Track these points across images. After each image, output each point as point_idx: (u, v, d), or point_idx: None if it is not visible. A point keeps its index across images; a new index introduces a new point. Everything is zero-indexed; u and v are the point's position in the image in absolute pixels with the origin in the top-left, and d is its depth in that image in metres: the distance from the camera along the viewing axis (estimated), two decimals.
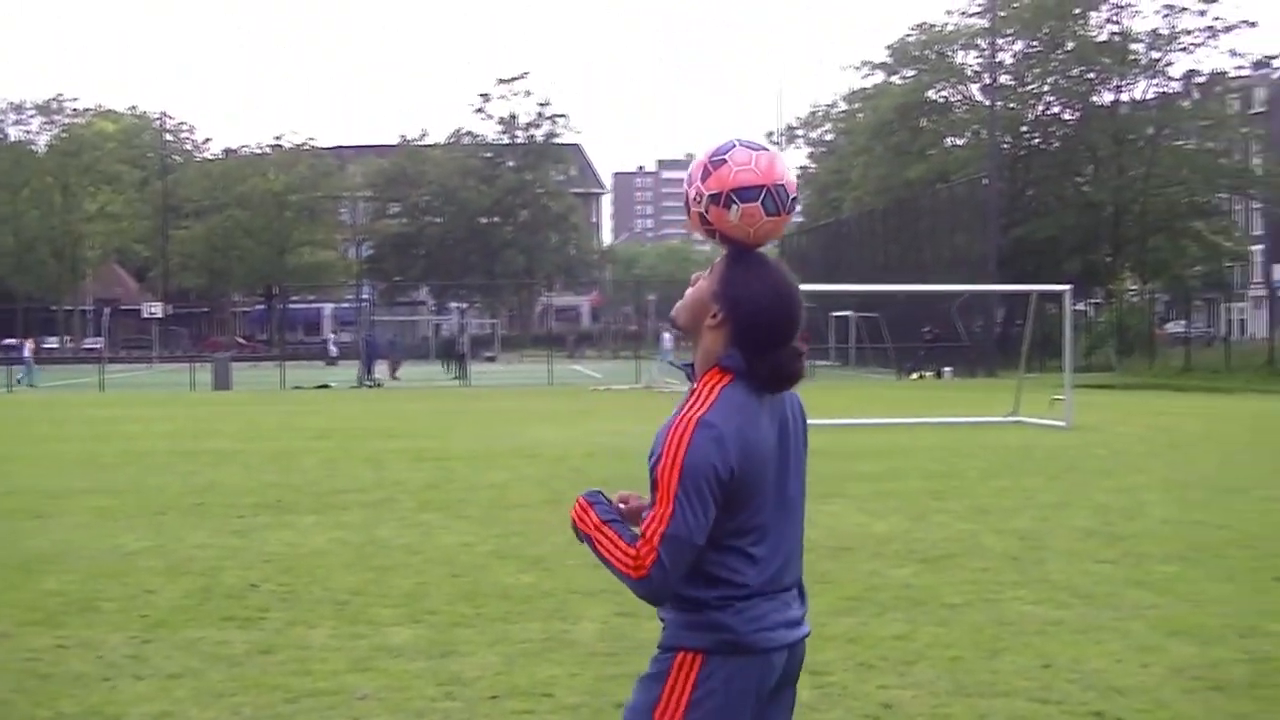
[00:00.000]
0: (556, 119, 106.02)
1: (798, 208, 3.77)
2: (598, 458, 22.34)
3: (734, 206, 3.75)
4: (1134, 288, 73.87)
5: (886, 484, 18.34)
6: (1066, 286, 32.66)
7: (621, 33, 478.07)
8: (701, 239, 4.02)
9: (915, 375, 57.36)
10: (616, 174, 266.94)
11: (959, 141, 76.75)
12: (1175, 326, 75.74)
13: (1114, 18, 71.53)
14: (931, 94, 75.77)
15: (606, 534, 3.72)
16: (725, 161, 3.78)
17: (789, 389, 3.82)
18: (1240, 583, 11.31)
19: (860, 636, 9.44)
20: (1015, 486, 17.91)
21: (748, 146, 3.81)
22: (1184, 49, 71.46)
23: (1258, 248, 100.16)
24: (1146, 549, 12.74)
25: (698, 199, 3.81)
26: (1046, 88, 73.60)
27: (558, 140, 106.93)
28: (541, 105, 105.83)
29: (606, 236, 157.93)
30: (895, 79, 76.90)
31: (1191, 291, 75.82)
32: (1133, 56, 71.57)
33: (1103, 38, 71.72)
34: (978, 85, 73.80)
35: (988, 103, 66.87)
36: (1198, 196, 71.75)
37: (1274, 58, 78.91)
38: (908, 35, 75.70)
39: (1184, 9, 69.94)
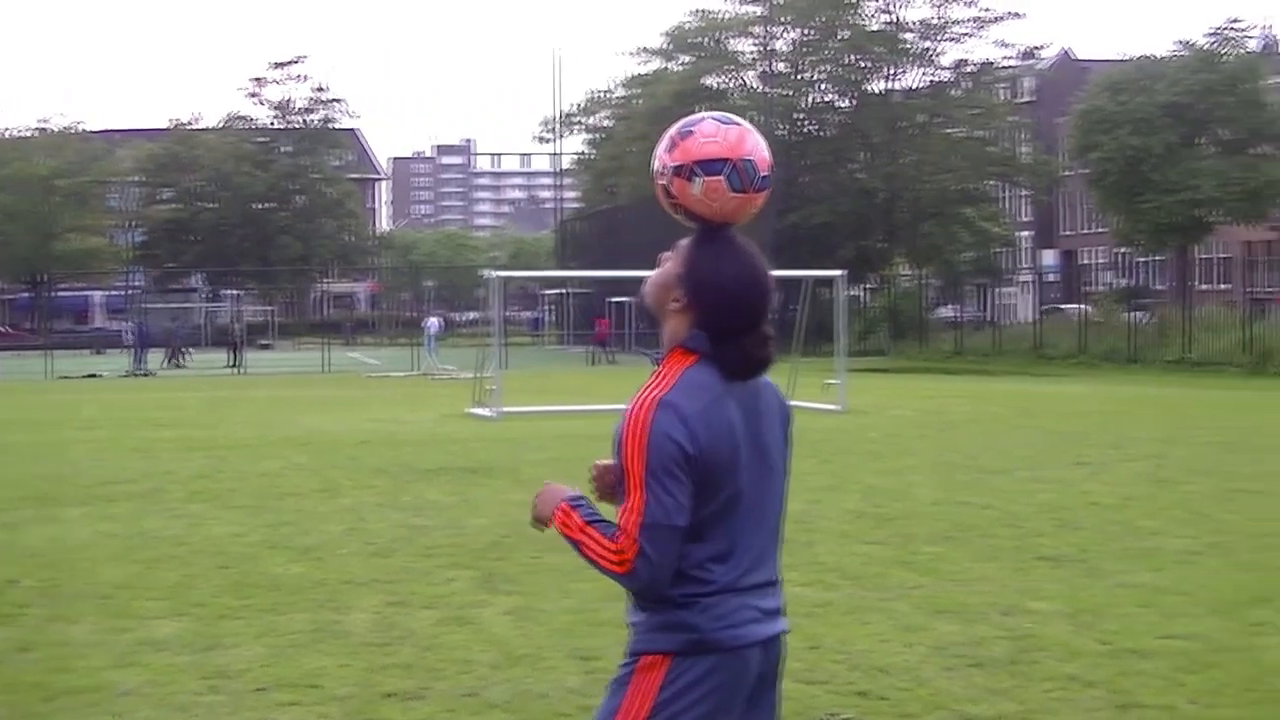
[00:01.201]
0: (333, 104, 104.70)
1: (769, 186, 3.71)
2: (372, 445, 22.18)
3: (697, 179, 3.63)
4: (907, 273, 75.15)
5: None
6: (840, 272, 33.14)
7: (399, 17, 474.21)
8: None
9: None
10: (395, 159, 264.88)
11: None
12: (946, 311, 77.19)
13: (886, 7, 72.61)
14: (708, 80, 76.17)
15: (591, 535, 3.57)
16: (693, 133, 3.67)
17: (757, 376, 3.68)
18: (1003, 562, 11.56)
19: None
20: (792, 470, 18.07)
21: (718, 120, 3.69)
22: (954, 39, 72.84)
23: (1025, 234, 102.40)
24: (914, 530, 12.97)
25: (662, 171, 3.70)
26: (821, 76, 74.47)
27: (334, 125, 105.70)
28: (317, 90, 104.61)
29: (384, 222, 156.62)
30: (673, 65, 77.22)
31: (962, 277, 77.27)
32: (905, 46, 72.72)
33: (876, 27, 72.75)
34: (754, 72, 74.46)
35: (763, 90, 67.53)
36: (968, 184, 73.15)
37: (1040, 48, 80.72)
38: (685, 22, 76.06)
39: (954, 0, 71.28)
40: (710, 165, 3.61)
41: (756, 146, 3.67)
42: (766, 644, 3.65)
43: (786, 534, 11.82)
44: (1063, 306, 71.29)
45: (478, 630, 9.39)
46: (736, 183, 3.62)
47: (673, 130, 3.71)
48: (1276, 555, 11.75)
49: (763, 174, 3.66)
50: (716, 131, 3.64)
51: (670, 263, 3.71)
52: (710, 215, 3.65)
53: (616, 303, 67.36)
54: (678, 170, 3.64)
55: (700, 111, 3.75)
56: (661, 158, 3.69)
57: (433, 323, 61.59)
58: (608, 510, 3.61)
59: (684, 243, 3.71)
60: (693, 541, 3.53)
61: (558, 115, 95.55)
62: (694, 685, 3.53)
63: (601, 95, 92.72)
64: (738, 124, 3.67)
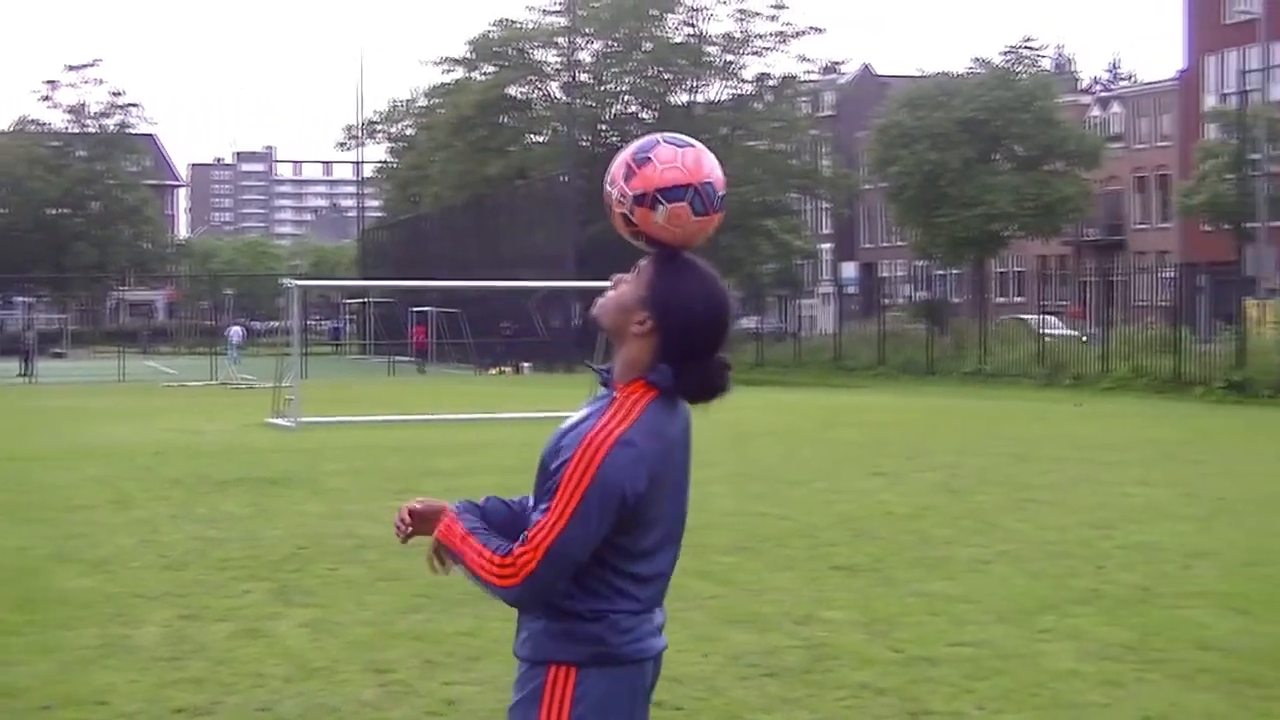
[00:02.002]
0: (129, 108, 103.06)
1: (725, 206, 3.66)
2: (167, 456, 21.80)
3: (660, 207, 3.56)
4: None
5: (462, 480, 18.32)
6: None
7: (198, 22, 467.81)
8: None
9: (495, 370, 57.65)
10: (194, 166, 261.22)
11: (539, 139, 77.20)
12: (748, 322, 77.86)
13: (690, 20, 73.01)
14: (512, 90, 76.03)
15: (471, 544, 3.52)
16: (650, 160, 3.59)
17: (715, 400, 3.63)
18: (798, 571, 11.67)
19: (427, 633, 9.42)
20: None
21: (672, 143, 3.62)
22: (756, 53, 73.44)
23: (826, 246, 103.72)
24: (710, 540, 13.02)
25: (621, 199, 3.61)
26: (624, 87, 74.67)
27: (131, 130, 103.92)
28: (114, 94, 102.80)
29: (183, 230, 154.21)
30: (476, 75, 76.97)
31: (764, 288, 78.07)
32: (707, 59, 73.18)
33: (679, 40, 73.13)
34: (557, 83, 74.45)
35: (567, 100, 67.58)
36: (769, 196, 73.74)
37: (841, 64, 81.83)
38: (489, 31, 75.80)
39: (756, 14, 71.91)
40: (672, 192, 3.56)
41: (713, 167, 3.63)
42: (657, 658, 3.67)
43: None
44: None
45: (272, 643, 9.27)
46: (699, 207, 3.58)
47: (626, 156, 3.64)
48: (1063, 563, 12.00)
49: (721, 194, 3.63)
50: (674, 156, 3.59)
51: (629, 285, 3.63)
52: (672, 240, 3.61)
53: (419, 312, 66.97)
54: (639, 199, 3.58)
55: (665, 136, 3.67)
56: (620, 186, 3.62)
57: (235, 331, 60.80)
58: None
59: (644, 264, 3.65)
60: (622, 561, 3.53)
61: (360, 123, 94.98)
62: (605, 696, 3.53)
63: (404, 104, 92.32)
64: (691, 145, 3.63)
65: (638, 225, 3.60)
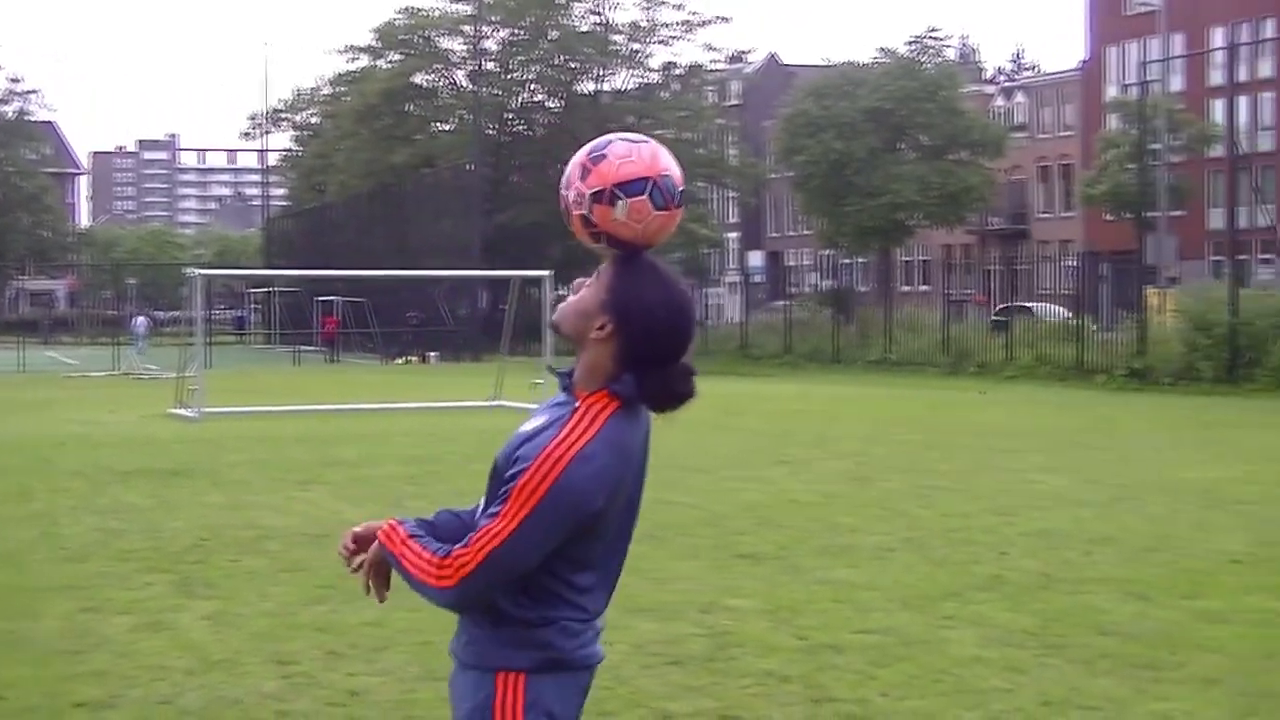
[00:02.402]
0: (28, 95, 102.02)
1: (684, 202, 3.60)
2: (68, 447, 21.55)
3: (619, 202, 3.47)
4: None
5: (365, 470, 18.27)
6: (547, 272, 33.20)
7: (100, 7, 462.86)
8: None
9: (402, 360, 57.45)
10: (95, 154, 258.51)
11: (445, 127, 77.02)
12: None
13: (596, 9, 73.03)
14: (418, 79, 75.76)
15: (411, 547, 3.46)
16: (605, 156, 3.51)
17: (678, 408, 3.54)
18: (703, 560, 11.69)
19: (331, 625, 9.36)
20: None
21: (627, 140, 3.56)
22: (663, 41, 73.55)
23: (733, 235, 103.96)
24: None
25: (579, 201, 3.52)
26: (531, 76, 74.59)
27: (30, 118, 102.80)
28: (12, 81, 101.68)
29: (84, 218, 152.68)
30: (381, 63, 76.59)
31: None
32: (614, 47, 73.21)
33: (585, 28, 73.09)
34: (463, 71, 74.26)
35: (473, 89, 67.41)
36: None
37: (747, 53, 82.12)
38: (394, 19, 75.47)
39: (663, 3, 72.00)
40: (631, 186, 3.48)
41: (670, 162, 3.56)
42: (596, 664, 3.65)
43: None
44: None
45: (174, 636, 9.19)
46: (659, 200, 3.50)
47: (581, 157, 3.56)
48: (967, 550, 12.08)
49: (680, 189, 3.56)
50: (630, 151, 3.52)
51: (590, 289, 3.55)
52: (633, 238, 3.52)
53: (324, 301, 66.62)
54: (597, 196, 3.49)
55: (619, 135, 3.61)
56: (576, 186, 3.54)
57: (140, 321, 60.20)
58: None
59: (605, 268, 3.56)
60: (571, 570, 3.48)
61: (265, 111, 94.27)
62: (555, 702, 3.50)
63: (309, 92, 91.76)
64: (647, 141, 3.57)
65: (598, 225, 3.52)
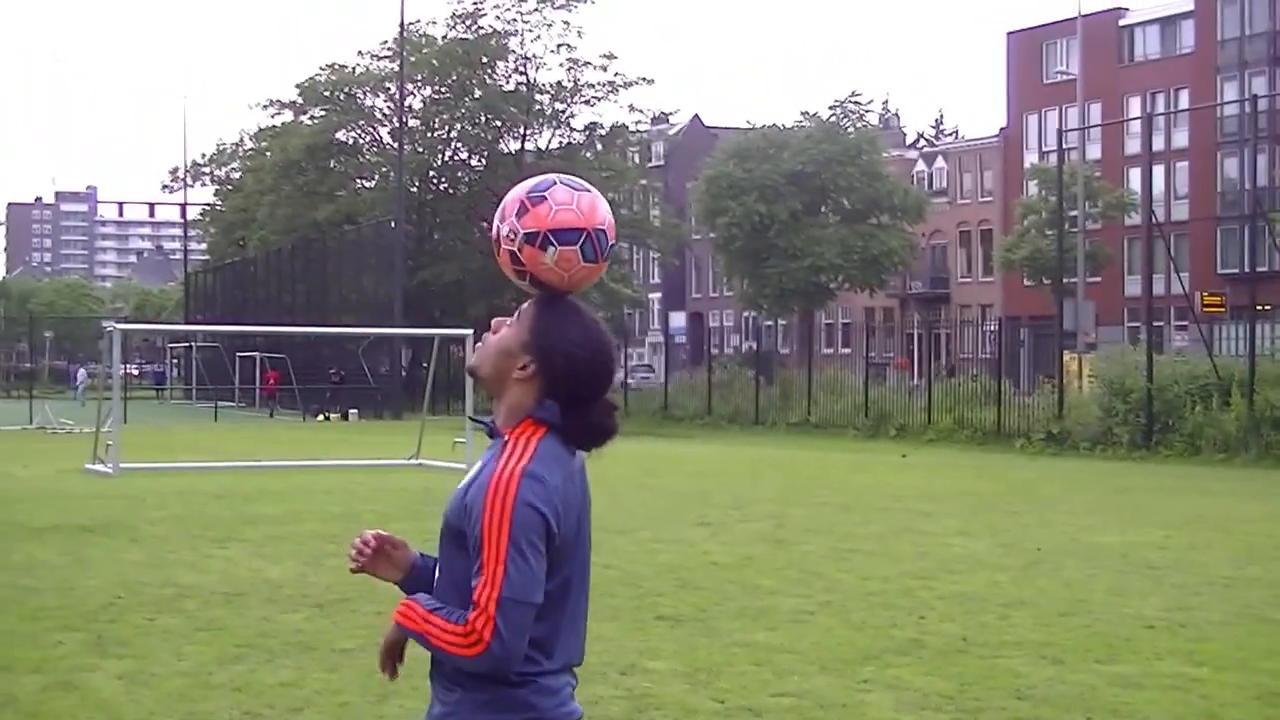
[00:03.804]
0: None
1: (611, 255, 3.66)
2: None
3: (551, 249, 3.50)
4: None
5: (284, 527, 18.15)
6: (468, 331, 33.16)
7: (16, 58, 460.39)
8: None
9: (321, 417, 57.14)
10: (11, 205, 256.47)
11: (368, 184, 76.87)
12: None
13: (520, 69, 73.15)
14: (341, 135, 75.64)
15: (434, 622, 3.42)
16: (545, 199, 3.52)
17: (603, 445, 3.56)
18: (623, 621, 11.67)
19: (248, 684, 9.29)
20: (414, 529, 17.91)
21: (569, 185, 3.56)
22: (587, 102, 73.69)
23: (655, 296, 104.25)
24: None
25: (511, 236, 3.54)
26: (454, 134, 74.57)
27: None
28: None
29: None
30: (304, 119, 76.45)
31: None
32: (538, 107, 73.33)
33: (509, 88, 73.19)
34: (387, 128, 74.17)
35: (396, 146, 67.34)
36: None
37: (671, 114, 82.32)
38: (317, 75, 75.38)
39: (587, 64, 72.17)
40: (565, 235, 3.51)
41: (606, 214, 3.59)
42: None
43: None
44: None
45: (86, 695, 9.09)
46: (589, 253, 3.54)
47: (521, 193, 3.58)
48: (885, 614, 12.12)
49: (611, 242, 3.59)
50: (570, 199, 3.54)
51: (510, 329, 3.57)
52: (557, 283, 3.56)
53: (244, 357, 66.24)
54: (529, 238, 3.52)
55: (562, 178, 3.62)
56: (510, 222, 3.56)
57: (80, 372, 59.71)
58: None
59: (527, 308, 3.59)
60: (537, 619, 3.43)
61: (185, 165, 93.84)
62: None
63: (231, 146, 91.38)
64: (588, 190, 3.58)
65: (524, 264, 3.55)
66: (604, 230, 3.57)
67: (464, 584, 3.42)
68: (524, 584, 3.35)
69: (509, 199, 3.60)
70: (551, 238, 3.51)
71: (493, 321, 3.64)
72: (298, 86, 76.00)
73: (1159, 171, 70.09)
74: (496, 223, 3.60)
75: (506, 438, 3.50)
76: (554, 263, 3.52)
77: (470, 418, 4.11)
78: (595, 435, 3.55)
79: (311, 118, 75.85)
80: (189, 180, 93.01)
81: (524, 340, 3.53)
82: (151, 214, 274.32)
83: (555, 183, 3.58)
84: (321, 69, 75.54)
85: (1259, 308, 36.24)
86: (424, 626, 3.44)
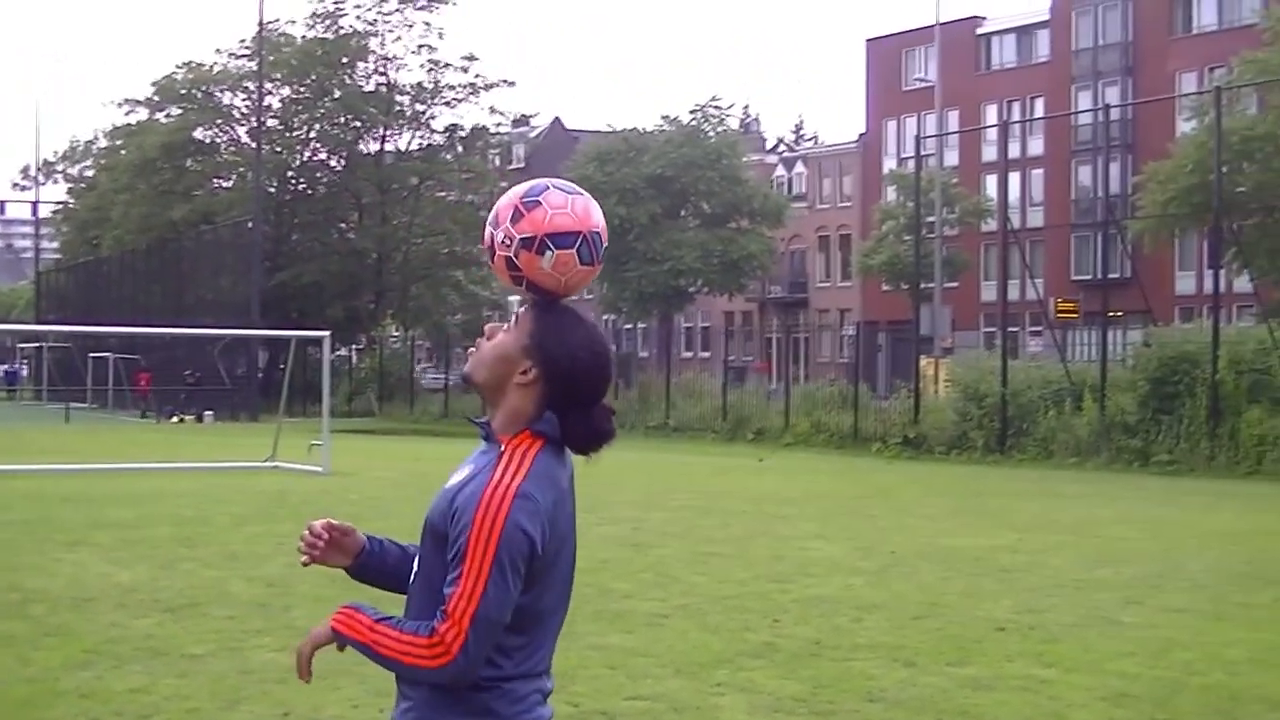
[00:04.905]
0: None
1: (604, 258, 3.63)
2: None
3: (548, 252, 3.47)
4: (396, 334, 75.31)
5: (136, 531, 17.88)
6: (326, 332, 32.93)
7: None
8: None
9: (176, 419, 56.43)
10: None
11: (225, 184, 76.08)
12: (436, 373, 77.61)
13: (381, 69, 72.79)
14: (198, 134, 74.79)
15: (383, 632, 3.37)
16: (539, 204, 3.48)
17: (601, 449, 3.53)
18: None
19: (95, 691, 9.14)
20: (268, 532, 17.82)
21: (561, 189, 3.53)
22: (447, 103, 73.45)
23: (515, 297, 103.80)
24: (384, 597, 12.88)
25: (506, 242, 3.49)
26: (314, 134, 74.04)
27: None
28: None
29: None
30: (161, 117, 75.50)
31: (451, 339, 77.99)
32: (398, 108, 73.00)
33: (370, 88, 72.83)
34: (245, 128, 73.45)
35: (254, 146, 66.74)
36: (458, 247, 73.81)
37: (532, 116, 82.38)
38: (174, 73, 74.50)
39: (448, 65, 71.97)
40: (562, 238, 3.48)
41: (600, 217, 3.58)
42: None
43: (263, 597, 11.59)
44: None
45: None
46: (586, 255, 3.52)
47: (515, 199, 3.54)
48: (740, 617, 12.17)
49: (604, 245, 3.57)
50: (565, 202, 3.51)
51: (509, 334, 3.54)
52: (554, 287, 3.54)
53: (97, 358, 65.32)
54: (527, 242, 3.49)
55: (554, 182, 3.59)
56: (506, 228, 3.52)
57: None
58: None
59: (524, 313, 3.56)
60: (510, 628, 3.39)
61: (37, 163, 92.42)
62: None
63: (85, 144, 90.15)
64: (580, 193, 3.57)
65: (522, 270, 3.52)
66: (599, 233, 3.57)
67: (437, 585, 3.39)
68: (500, 604, 3.32)
69: (502, 205, 3.57)
70: (549, 241, 3.49)
71: (486, 327, 3.62)
72: (154, 84, 75.17)
73: (1015, 179, 70.90)
74: (490, 229, 3.56)
75: (503, 447, 3.47)
76: (551, 266, 3.50)
77: (468, 419, 4.06)
78: (596, 439, 3.54)
79: (168, 116, 74.97)
80: (41, 178, 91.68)
81: (524, 345, 3.52)
82: (1, 211, 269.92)
83: (548, 187, 3.55)
84: (179, 67, 74.78)
85: (1111, 314, 36.78)
86: (371, 636, 3.40)
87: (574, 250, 3.51)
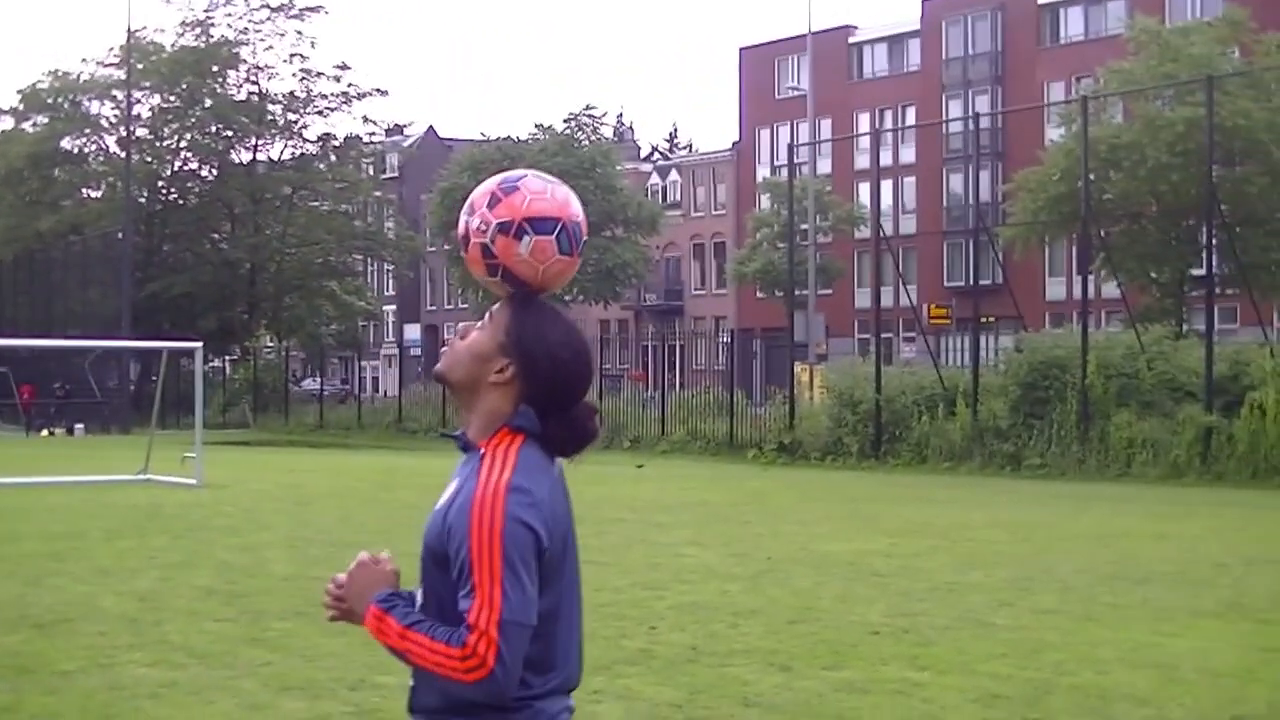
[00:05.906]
0: None
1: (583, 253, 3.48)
2: None
3: (526, 238, 3.32)
4: (270, 345, 74.73)
5: (3, 546, 17.59)
6: (198, 343, 32.59)
7: None
8: None
9: (46, 432, 55.62)
10: None
11: (95, 194, 75.16)
12: (310, 383, 77.10)
13: (252, 78, 72.28)
14: (66, 143, 73.81)
15: (414, 639, 3.25)
16: (518, 189, 3.35)
17: (584, 451, 3.38)
18: (353, 637, 11.40)
19: None
20: (139, 546, 17.60)
21: (541, 177, 3.39)
22: (320, 113, 73.09)
23: (390, 308, 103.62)
24: (265, 606, 12.80)
25: (482, 228, 3.35)
26: (184, 143, 73.35)
27: None
28: None
29: None
30: (27, 126, 74.43)
31: (326, 349, 77.52)
32: (270, 117, 72.51)
33: (241, 97, 72.29)
34: (114, 137, 72.61)
35: (123, 155, 65.98)
36: (332, 257, 73.48)
37: (405, 126, 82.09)
38: (39, 81, 73.49)
39: (320, 74, 71.62)
40: (541, 224, 3.34)
41: (579, 209, 3.44)
42: None
43: (134, 612, 11.46)
44: None
45: None
46: (565, 245, 3.37)
47: (491, 186, 3.40)
48: (616, 624, 12.17)
49: (584, 239, 3.44)
50: (544, 189, 3.38)
51: (483, 331, 3.39)
52: (531, 278, 3.38)
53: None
54: (503, 227, 3.34)
55: (533, 171, 3.49)
56: (482, 214, 3.37)
57: None
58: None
59: (499, 309, 3.41)
60: (532, 641, 3.25)
61: None
62: None
63: None
64: (560, 184, 3.43)
65: (498, 257, 3.37)
66: (579, 224, 3.42)
67: (450, 609, 3.27)
68: (523, 605, 3.19)
69: (477, 193, 3.44)
70: (527, 226, 3.35)
71: (459, 326, 3.52)
72: (19, 92, 74.14)
73: (887, 186, 71.74)
74: (464, 218, 3.42)
75: (482, 450, 3.33)
76: (529, 253, 3.36)
77: (442, 433, 3.98)
78: (578, 440, 3.40)
79: (34, 125, 73.93)
80: None
81: (500, 342, 3.37)
82: None
83: (526, 175, 3.43)
84: (44, 75, 73.79)
85: (982, 320, 37.20)
86: (404, 644, 3.30)
87: (553, 237, 3.37)
